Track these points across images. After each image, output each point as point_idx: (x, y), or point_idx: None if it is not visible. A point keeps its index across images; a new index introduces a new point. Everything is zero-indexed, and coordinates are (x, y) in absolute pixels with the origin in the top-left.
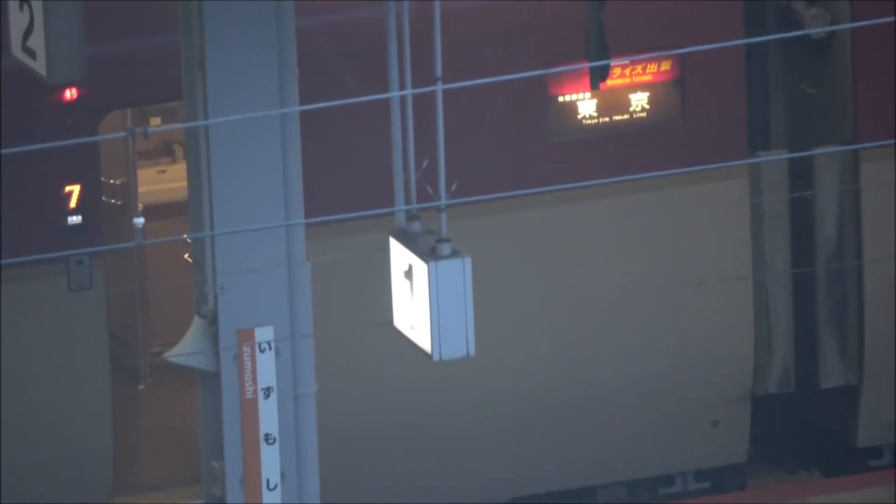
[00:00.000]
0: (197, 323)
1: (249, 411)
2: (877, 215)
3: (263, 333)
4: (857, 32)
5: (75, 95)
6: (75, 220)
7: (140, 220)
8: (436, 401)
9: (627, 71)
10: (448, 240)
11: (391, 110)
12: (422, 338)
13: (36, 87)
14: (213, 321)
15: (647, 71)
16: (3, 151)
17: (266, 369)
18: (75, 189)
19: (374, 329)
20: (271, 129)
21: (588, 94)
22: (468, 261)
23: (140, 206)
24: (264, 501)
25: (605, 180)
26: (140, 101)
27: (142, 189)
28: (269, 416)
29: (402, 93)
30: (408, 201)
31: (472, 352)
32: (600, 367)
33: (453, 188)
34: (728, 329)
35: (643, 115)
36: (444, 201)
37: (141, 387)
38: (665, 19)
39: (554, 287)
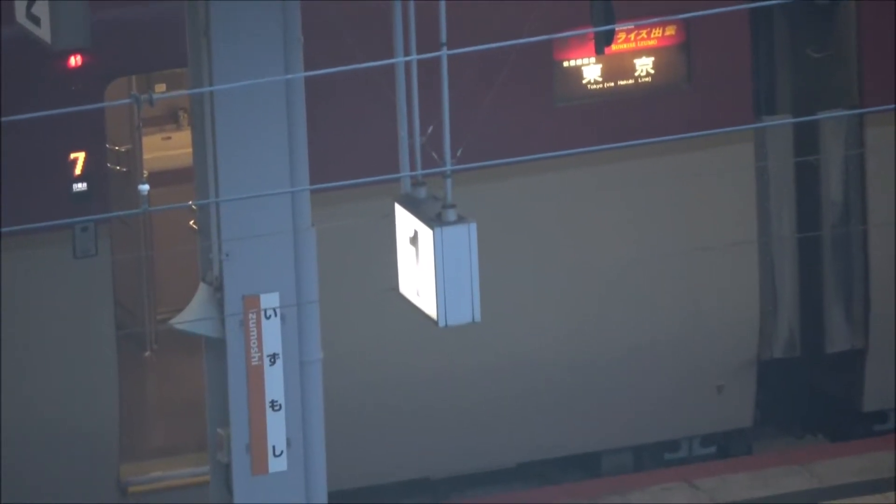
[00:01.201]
0: (202, 290)
1: (255, 378)
2: (882, 179)
3: (269, 300)
4: None
5: (80, 62)
6: (80, 187)
7: (145, 187)
8: (441, 369)
9: (632, 36)
10: (453, 206)
11: (396, 76)
12: (427, 304)
13: (41, 53)
14: (218, 288)
15: (652, 36)
16: (8, 119)
17: (272, 336)
18: (80, 156)
19: (379, 296)
20: (276, 96)
21: (593, 59)
22: (473, 226)
23: (145, 173)
24: (270, 468)
25: (609, 146)
26: (145, 67)
27: (147, 156)
28: (274, 383)
29: (407, 58)
30: (413, 167)
31: (478, 318)
32: (605, 334)
33: (458, 154)
34: (734, 294)
35: (648, 79)
36: (449, 167)
37: (147, 354)
38: None
39: (557, 254)
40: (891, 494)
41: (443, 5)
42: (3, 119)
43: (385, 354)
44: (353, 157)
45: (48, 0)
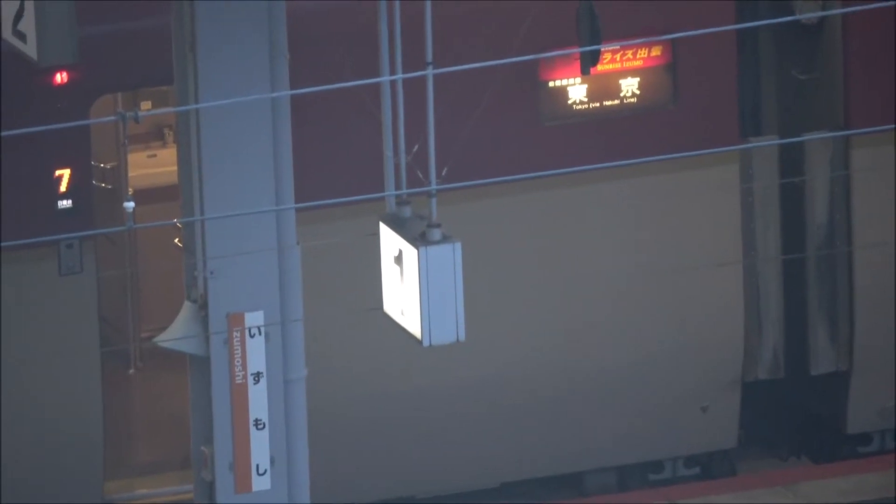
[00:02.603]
0: (187, 307)
1: (239, 396)
2: (867, 201)
3: (253, 318)
4: (848, 18)
5: (66, 79)
6: (65, 203)
7: (130, 204)
8: (425, 388)
9: (618, 56)
10: (438, 225)
11: (382, 95)
12: (411, 323)
13: (27, 70)
14: (203, 306)
15: (638, 56)
16: None
17: (256, 354)
18: (66, 173)
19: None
20: (262, 114)
21: (579, 80)
22: (458, 246)
23: (131, 190)
24: (254, 486)
25: (595, 165)
26: (131, 84)
27: (132, 173)
28: (258, 401)
29: (393, 77)
30: (398, 186)
31: (462, 337)
32: (589, 353)
33: (444, 173)
34: (718, 315)
35: (633, 100)
36: (434, 186)
37: (131, 371)
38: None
39: (542, 273)
40: None
41: (429, 24)
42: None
43: (369, 373)
44: (339, 176)
45: (34, 16)
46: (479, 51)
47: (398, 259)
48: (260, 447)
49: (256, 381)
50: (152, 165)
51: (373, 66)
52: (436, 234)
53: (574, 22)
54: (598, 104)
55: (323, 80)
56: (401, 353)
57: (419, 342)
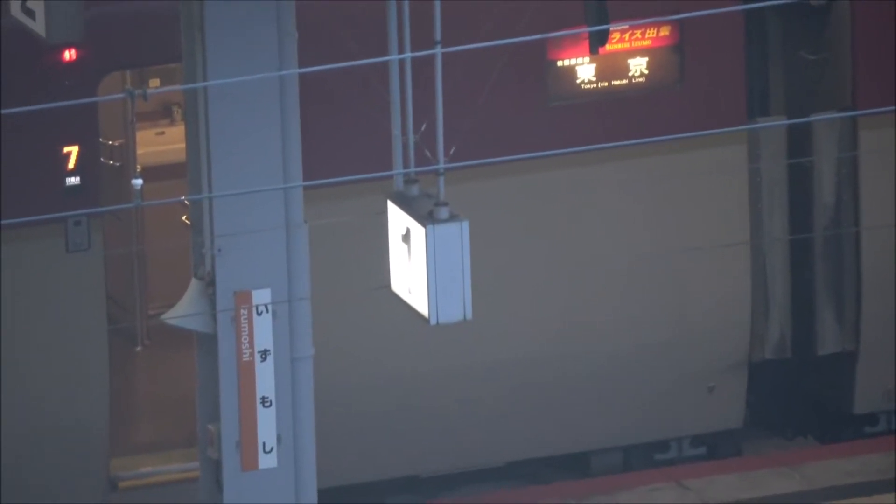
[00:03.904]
0: (194, 285)
1: (246, 374)
2: (875, 182)
3: (261, 296)
4: None
5: (74, 57)
6: (73, 181)
7: (138, 182)
8: (431, 367)
9: (627, 36)
10: (446, 203)
11: (390, 74)
12: (419, 301)
13: (36, 47)
14: (210, 283)
15: (647, 36)
16: (2, 112)
17: (263, 332)
18: (73, 150)
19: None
20: (270, 92)
21: (587, 59)
22: (466, 224)
23: (138, 168)
24: (260, 464)
25: (603, 145)
26: (139, 62)
27: (140, 150)
28: (265, 379)
29: (401, 56)
30: (406, 165)
31: (469, 316)
32: (596, 334)
33: (451, 152)
34: (725, 295)
35: (642, 80)
36: (442, 165)
37: (138, 349)
38: None
39: (549, 254)
40: (884, 497)
41: (438, 4)
42: (1, 112)
43: (374, 352)
44: (347, 154)
45: None
46: (487, 32)
47: (406, 237)
48: (266, 425)
49: (263, 359)
50: (160, 143)
51: (382, 45)
52: (443, 212)
53: (582, 3)
54: (606, 83)
55: (331, 60)
56: (407, 333)
57: (426, 321)
